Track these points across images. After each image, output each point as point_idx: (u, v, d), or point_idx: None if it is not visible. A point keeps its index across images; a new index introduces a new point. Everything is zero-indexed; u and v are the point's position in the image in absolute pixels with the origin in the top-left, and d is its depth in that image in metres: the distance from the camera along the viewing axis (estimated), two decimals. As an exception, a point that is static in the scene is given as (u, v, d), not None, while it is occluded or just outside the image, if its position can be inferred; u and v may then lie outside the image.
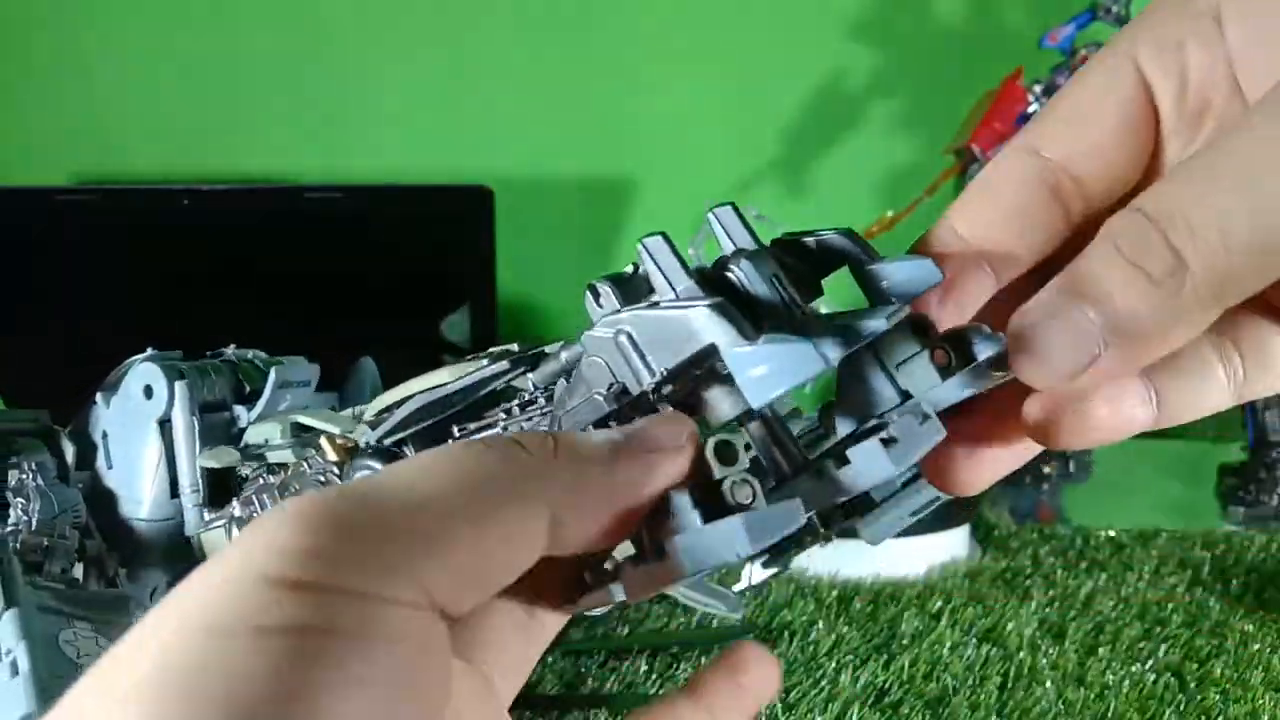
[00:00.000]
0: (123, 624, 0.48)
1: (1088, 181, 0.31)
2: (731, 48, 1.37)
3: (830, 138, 1.39)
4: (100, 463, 0.61)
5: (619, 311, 0.29)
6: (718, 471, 0.27)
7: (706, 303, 0.27)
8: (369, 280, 1.27)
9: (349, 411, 0.56)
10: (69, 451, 0.60)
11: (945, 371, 0.29)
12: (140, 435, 0.59)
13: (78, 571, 0.53)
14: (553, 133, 1.37)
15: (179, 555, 0.57)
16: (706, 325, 0.27)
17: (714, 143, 1.38)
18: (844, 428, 0.30)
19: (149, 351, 0.60)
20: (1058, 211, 0.31)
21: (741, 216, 0.31)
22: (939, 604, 0.88)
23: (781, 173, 1.38)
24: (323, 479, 0.50)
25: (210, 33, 1.32)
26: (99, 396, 0.61)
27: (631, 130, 1.38)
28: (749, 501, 0.27)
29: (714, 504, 0.27)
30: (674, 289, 0.29)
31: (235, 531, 0.54)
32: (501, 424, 0.40)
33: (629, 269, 0.30)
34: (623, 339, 0.29)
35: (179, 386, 0.57)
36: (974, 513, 1.02)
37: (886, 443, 0.28)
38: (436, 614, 0.22)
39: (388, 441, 0.45)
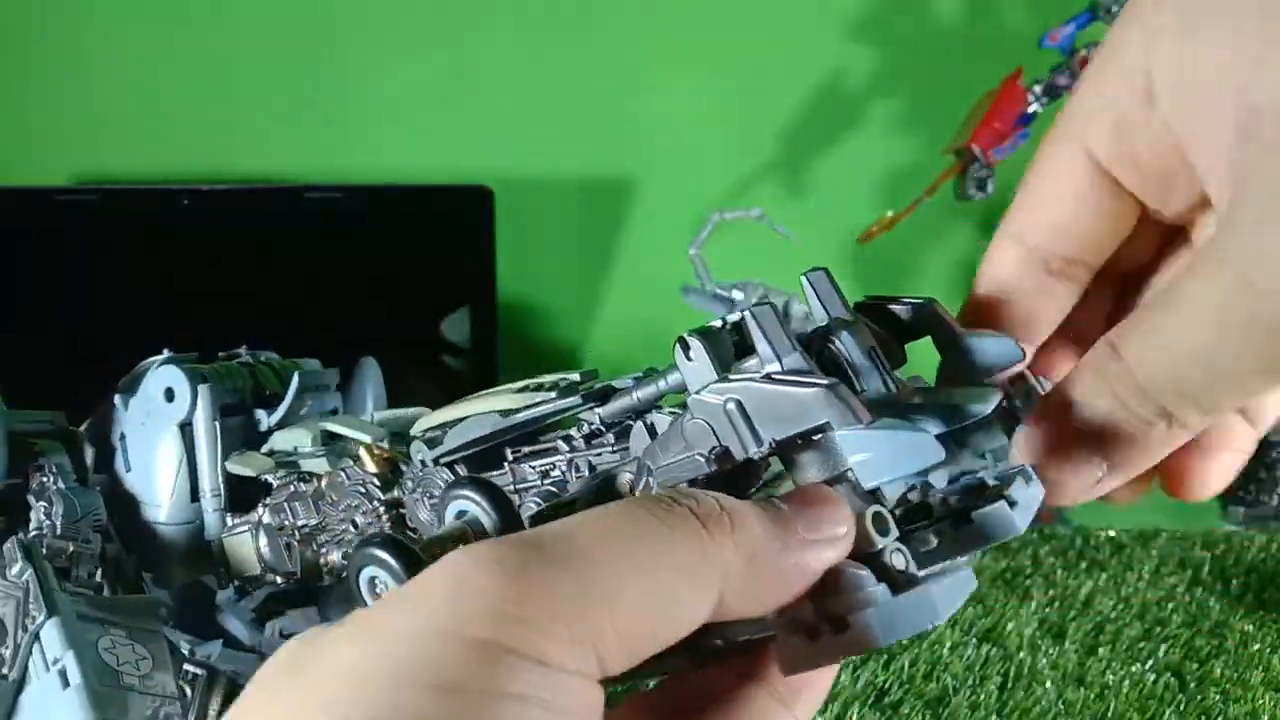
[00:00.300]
0: (154, 629, 0.48)
1: (1078, 255, 0.34)
2: (731, 48, 1.37)
3: (830, 138, 1.39)
4: (119, 465, 0.60)
5: (726, 379, 0.30)
6: (879, 543, 0.28)
7: (824, 383, 0.28)
8: (369, 280, 1.27)
9: (367, 417, 0.56)
10: (88, 454, 0.60)
11: (1009, 433, 0.31)
12: (160, 438, 0.58)
13: (99, 576, 0.53)
14: (553, 133, 1.37)
15: (199, 559, 0.57)
16: (822, 405, 0.28)
17: (714, 143, 1.38)
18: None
19: (166, 353, 0.60)
20: (1062, 284, 0.34)
21: (833, 282, 0.33)
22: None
23: (781, 173, 1.38)
24: (362, 489, 0.50)
25: (210, 33, 1.31)
26: (117, 398, 0.61)
27: (631, 130, 1.38)
28: (904, 567, 0.28)
29: (884, 574, 0.28)
30: (779, 359, 0.30)
31: (262, 537, 0.54)
32: (566, 455, 0.40)
33: (716, 323, 0.32)
34: (731, 407, 0.30)
35: (202, 390, 0.57)
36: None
37: (1011, 505, 0.30)
38: (599, 680, 0.23)
39: (444, 461, 0.45)
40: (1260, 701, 0.75)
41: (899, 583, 0.28)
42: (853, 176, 1.39)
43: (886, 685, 0.76)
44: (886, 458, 0.27)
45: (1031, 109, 1.17)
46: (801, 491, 0.29)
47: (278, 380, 0.60)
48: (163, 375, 0.58)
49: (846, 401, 0.28)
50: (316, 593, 0.56)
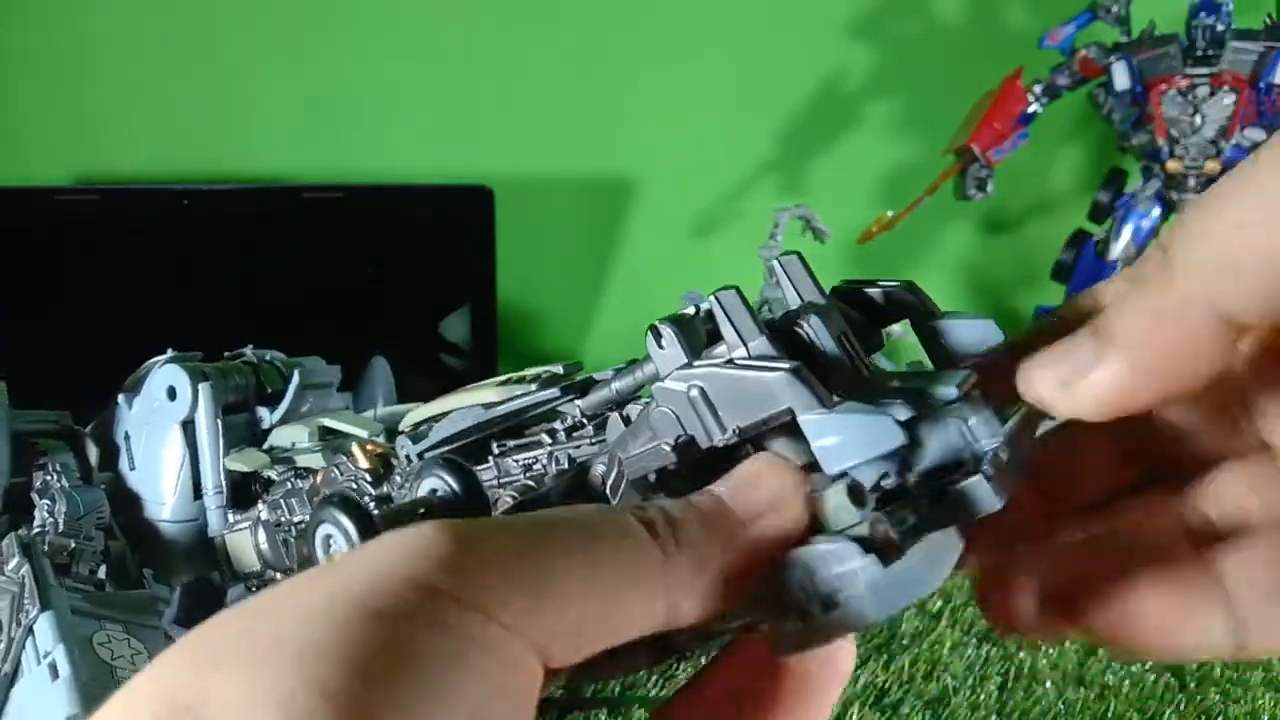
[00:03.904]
0: (151, 625, 0.48)
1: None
2: (732, 48, 1.37)
3: (830, 138, 1.39)
4: (123, 464, 0.61)
5: (691, 365, 0.30)
6: (856, 515, 0.27)
7: (785, 367, 0.27)
8: (369, 280, 1.27)
9: (370, 413, 0.56)
10: (92, 453, 0.60)
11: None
12: (163, 437, 0.59)
13: (103, 573, 0.54)
14: (553, 133, 1.37)
15: (202, 556, 0.57)
16: (784, 390, 0.27)
17: (714, 143, 1.38)
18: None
19: (170, 353, 0.60)
20: None
21: (807, 266, 0.32)
22: (939, 604, 0.88)
23: (781, 172, 1.39)
24: (354, 486, 0.51)
25: (210, 33, 1.31)
26: (121, 398, 0.61)
27: (631, 130, 1.38)
28: (886, 536, 0.27)
29: (867, 545, 0.26)
30: (745, 344, 0.29)
31: (261, 534, 0.54)
32: (547, 448, 0.40)
33: (689, 310, 0.31)
34: (695, 394, 0.29)
35: (203, 388, 0.57)
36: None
37: (988, 478, 0.28)
38: (539, 660, 0.23)
39: (429, 456, 0.45)
40: (1260, 701, 0.75)
41: (887, 551, 0.26)
42: (853, 176, 1.39)
43: (886, 685, 0.76)
44: (848, 442, 0.27)
45: (1031, 109, 1.17)
46: (733, 471, 0.28)
47: (280, 379, 0.60)
48: (165, 374, 0.59)
49: (809, 385, 0.27)
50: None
